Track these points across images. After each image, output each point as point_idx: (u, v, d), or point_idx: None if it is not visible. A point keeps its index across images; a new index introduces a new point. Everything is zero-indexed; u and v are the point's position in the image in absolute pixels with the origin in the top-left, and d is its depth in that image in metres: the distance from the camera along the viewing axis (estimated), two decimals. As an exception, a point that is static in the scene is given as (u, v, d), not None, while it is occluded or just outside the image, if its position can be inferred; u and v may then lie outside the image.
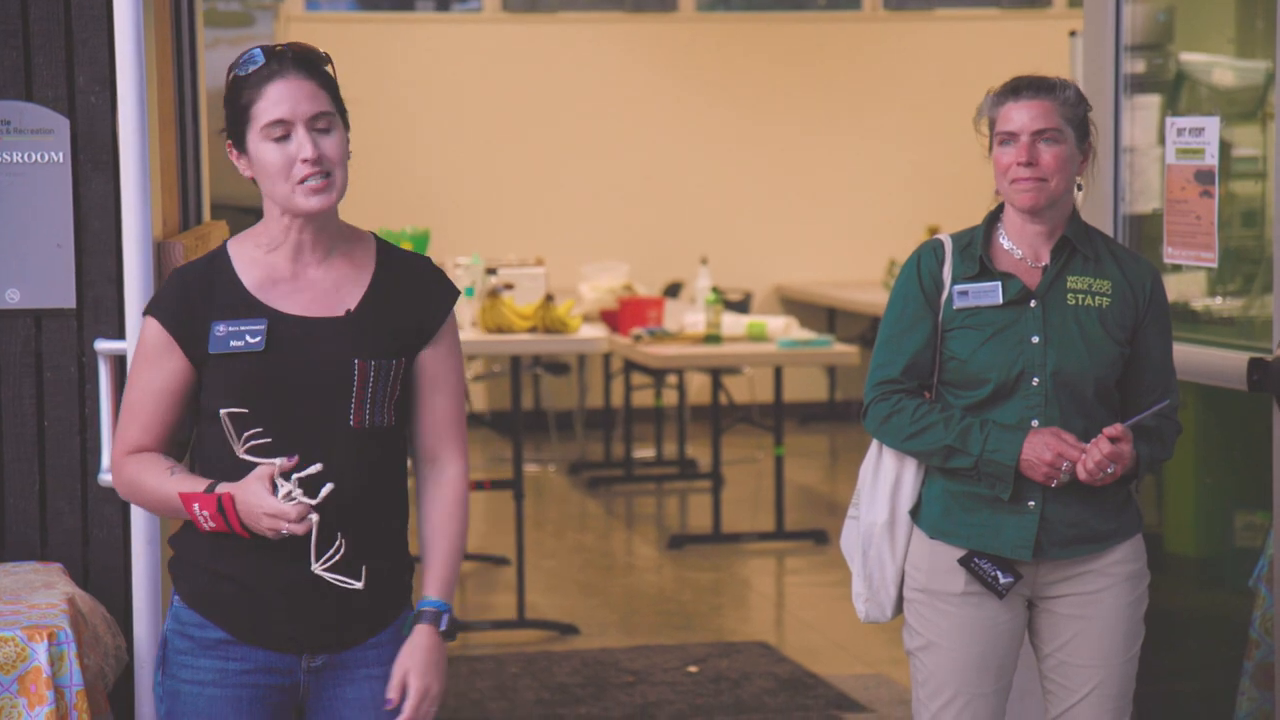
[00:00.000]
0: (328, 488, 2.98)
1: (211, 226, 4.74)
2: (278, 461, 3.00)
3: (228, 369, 3.08)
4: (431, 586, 3.22)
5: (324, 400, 3.08)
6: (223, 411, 3.03)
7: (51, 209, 4.07)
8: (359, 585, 3.05)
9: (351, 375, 3.09)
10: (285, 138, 3.05)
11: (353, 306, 3.12)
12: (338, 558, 3.04)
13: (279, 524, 2.97)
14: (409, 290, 3.17)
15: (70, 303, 4.09)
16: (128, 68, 3.74)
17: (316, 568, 3.03)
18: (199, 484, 3.05)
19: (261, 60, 3.07)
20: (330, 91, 3.10)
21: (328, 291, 3.13)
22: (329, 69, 3.14)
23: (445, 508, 3.22)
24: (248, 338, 3.07)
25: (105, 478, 3.99)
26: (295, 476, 2.98)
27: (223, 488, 3.02)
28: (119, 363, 3.93)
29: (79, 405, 4.11)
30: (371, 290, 3.14)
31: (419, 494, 3.24)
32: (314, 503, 2.97)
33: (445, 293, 3.21)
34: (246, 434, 3.02)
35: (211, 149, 4.94)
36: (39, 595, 3.79)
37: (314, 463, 3.02)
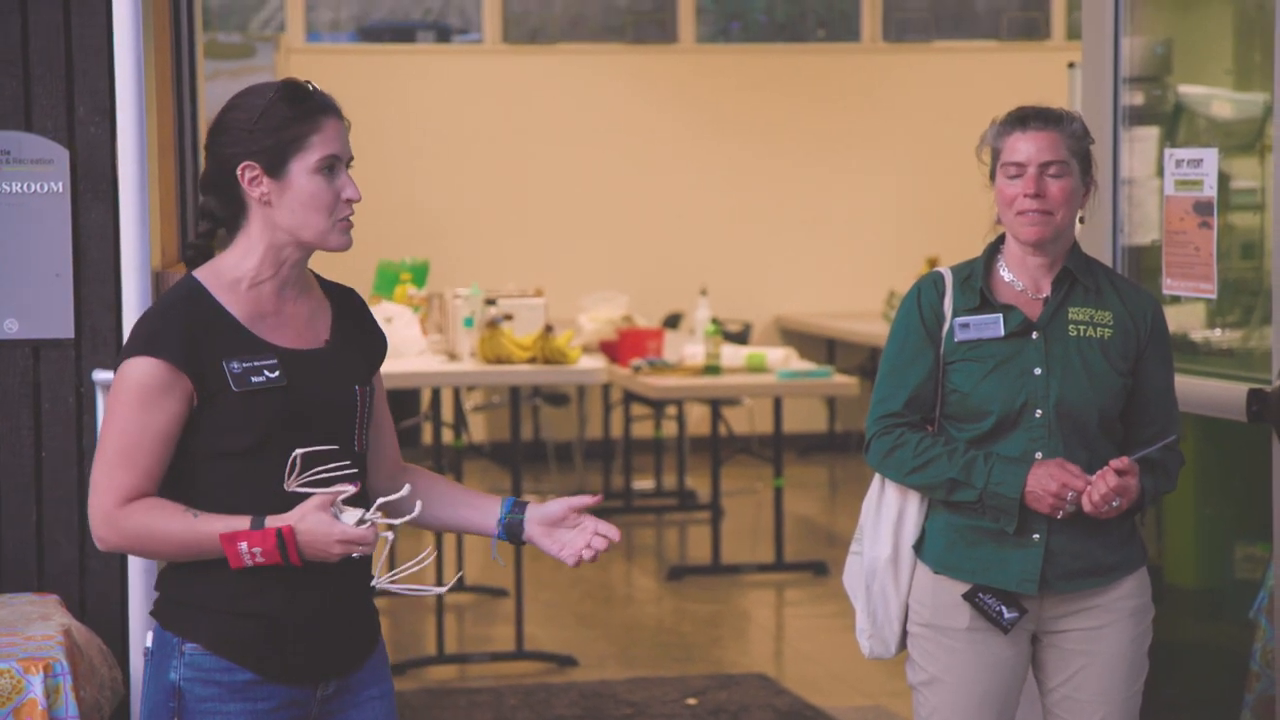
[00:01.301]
0: (419, 507, 3.04)
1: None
2: (345, 489, 2.99)
3: (246, 406, 3.04)
4: (494, 499, 3.27)
5: (336, 428, 3.10)
6: (300, 451, 3.00)
7: (51, 239, 4.07)
8: (442, 590, 3.11)
9: (354, 400, 3.13)
10: (332, 173, 3.08)
11: (327, 336, 3.15)
12: (416, 569, 3.07)
13: (353, 548, 2.97)
14: (357, 319, 3.24)
15: (69, 333, 4.09)
16: (127, 98, 3.75)
17: (382, 582, 3.05)
18: (238, 522, 2.99)
19: (299, 98, 3.07)
20: None
21: (306, 323, 3.15)
22: None
23: (438, 479, 3.32)
24: (266, 373, 3.05)
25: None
26: (381, 501, 3.01)
27: (274, 521, 2.98)
28: (117, 393, 3.92)
29: (76, 436, 4.11)
30: (335, 320, 3.18)
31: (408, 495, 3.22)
32: (397, 523, 3.00)
33: (379, 332, 3.30)
34: (324, 467, 3.01)
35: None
36: (35, 627, 3.78)
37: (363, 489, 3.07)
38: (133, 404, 3.03)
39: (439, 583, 7.56)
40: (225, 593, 3.06)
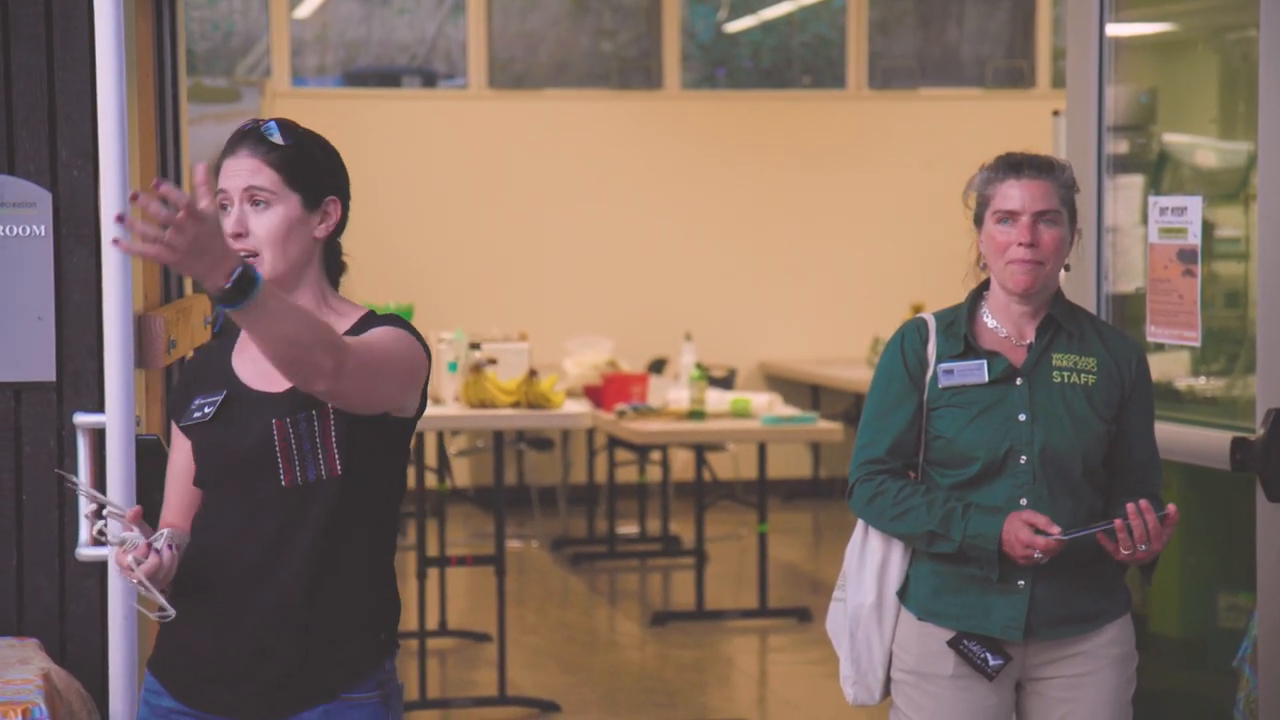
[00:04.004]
0: (106, 516, 3.04)
1: (193, 300, 4.73)
2: (123, 513, 3.05)
3: (194, 440, 3.17)
4: None
5: (254, 465, 3.09)
6: (58, 471, 3.12)
7: (33, 282, 4.06)
8: (171, 613, 3.03)
9: (272, 436, 3.08)
10: (226, 209, 3.10)
11: None
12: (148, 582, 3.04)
13: (127, 575, 3.01)
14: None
15: (50, 376, 4.08)
16: (110, 142, 3.73)
17: (154, 617, 3.05)
18: None
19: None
20: (284, 170, 3.10)
21: None
22: (312, 149, 3.13)
23: None
24: (205, 409, 3.14)
25: (83, 552, 3.97)
26: (115, 526, 3.04)
27: None
28: (98, 436, 3.91)
29: (58, 479, 4.09)
30: None
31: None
32: (111, 540, 3.04)
33: (384, 321, 3.14)
34: (84, 490, 3.10)
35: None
36: (14, 671, 3.75)
37: (251, 530, 3.09)
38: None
39: (422, 624, 7.55)
40: (175, 619, 3.10)
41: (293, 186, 3.10)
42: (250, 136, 3.11)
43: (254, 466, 3.09)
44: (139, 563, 2.99)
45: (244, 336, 3.16)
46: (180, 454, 3.20)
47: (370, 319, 3.17)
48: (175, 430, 3.21)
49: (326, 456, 3.08)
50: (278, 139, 3.10)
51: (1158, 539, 3.60)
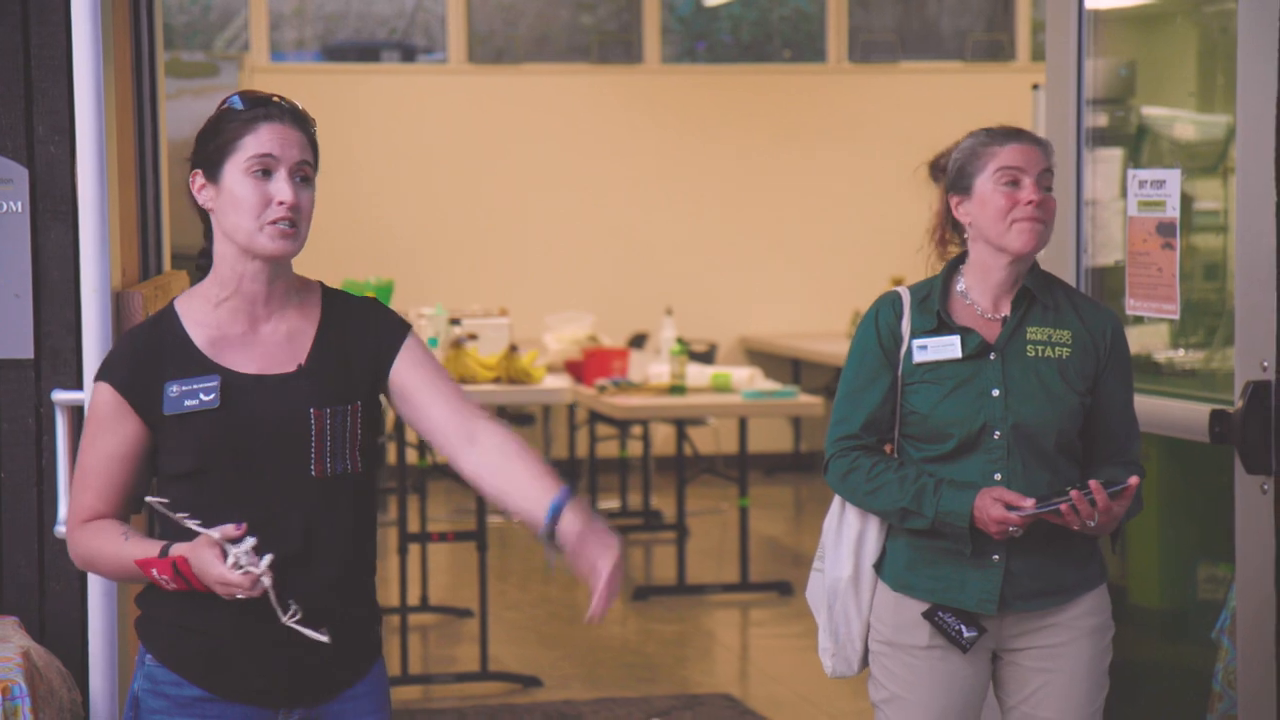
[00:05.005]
0: (267, 559, 2.93)
1: (172, 276, 4.72)
2: (216, 531, 2.94)
3: (183, 429, 3.05)
4: (546, 493, 3.07)
5: (282, 453, 3.05)
6: (149, 500, 3.02)
7: (10, 259, 4.05)
8: (326, 639, 3.00)
9: (309, 425, 3.05)
10: (267, 176, 3.04)
11: (304, 360, 3.09)
12: (300, 615, 3.00)
13: (232, 591, 2.94)
14: (357, 334, 3.14)
15: (28, 353, 4.07)
16: (87, 118, 3.72)
17: (286, 620, 2.98)
18: (154, 547, 3.01)
19: (244, 104, 3.08)
20: (316, 151, 3.12)
21: (280, 345, 3.10)
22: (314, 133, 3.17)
23: (510, 453, 3.11)
24: (201, 396, 3.04)
25: (62, 530, 3.96)
26: (242, 549, 2.92)
27: (176, 549, 2.98)
28: (77, 414, 3.90)
29: (36, 456, 4.08)
30: (319, 340, 3.11)
31: (477, 472, 3.13)
32: (258, 572, 2.92)
33: (394, 326, 3.17)
34: (180, 515, 2.97)
35: (172, 198, 4.92)
36: (-7, 649, 3.75)
37: (275, 520, 3.01)
38: (89, 427, 3.11)
39: (403, 600, 7.56)
40: (175, 606, 3.06)
41: (315, 168, 3.13)
42: (291, 112, 3.09)
43: (280, 453, 3.05)
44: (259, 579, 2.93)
45: (194, 318, 3.10)
46: (124, 440, 3.08)
47: (330, 294, 3.18)
48: (124, 414, 3.08)
49: (351, 452, 3.10)
50: (309, 119, 3.12)
51: (1106, 513, 3.61)
